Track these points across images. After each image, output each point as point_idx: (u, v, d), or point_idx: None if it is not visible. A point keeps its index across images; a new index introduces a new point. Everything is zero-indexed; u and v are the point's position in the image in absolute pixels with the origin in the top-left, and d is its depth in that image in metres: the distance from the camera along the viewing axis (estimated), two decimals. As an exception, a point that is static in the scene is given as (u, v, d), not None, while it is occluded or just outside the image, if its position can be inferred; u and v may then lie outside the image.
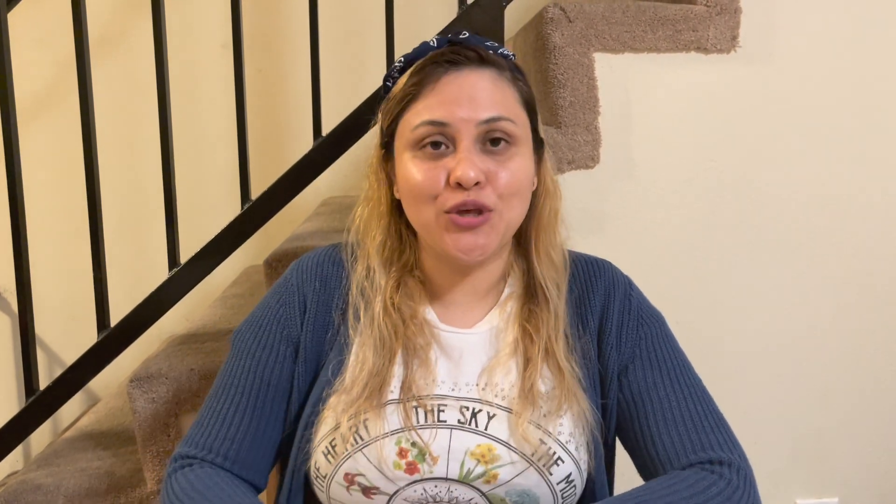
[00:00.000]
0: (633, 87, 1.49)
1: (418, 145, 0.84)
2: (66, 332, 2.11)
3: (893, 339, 1.64)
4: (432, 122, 0.83)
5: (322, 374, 0.89)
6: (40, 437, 2.01)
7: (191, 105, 2.04)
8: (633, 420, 0.89)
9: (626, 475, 0.97)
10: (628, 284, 0.95)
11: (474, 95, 0.83)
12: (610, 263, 0.98)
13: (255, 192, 1.45)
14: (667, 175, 1.52)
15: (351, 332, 0.89)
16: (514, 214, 0.86)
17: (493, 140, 0.84)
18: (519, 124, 0.86)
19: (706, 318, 1.58)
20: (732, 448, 0.85)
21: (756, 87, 1.52)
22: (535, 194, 0.91)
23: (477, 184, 0.82)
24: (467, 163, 0.81)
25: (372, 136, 1.44)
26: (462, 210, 0.83)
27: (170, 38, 1.45)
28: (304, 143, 1.47)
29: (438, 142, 0.83)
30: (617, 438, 0.94)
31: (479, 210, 0.83)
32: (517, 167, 0.85)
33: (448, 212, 0.83)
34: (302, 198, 1.49)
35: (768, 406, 1.63)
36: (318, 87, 1.47)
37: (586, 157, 1.45)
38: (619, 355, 0.91)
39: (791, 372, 1.62)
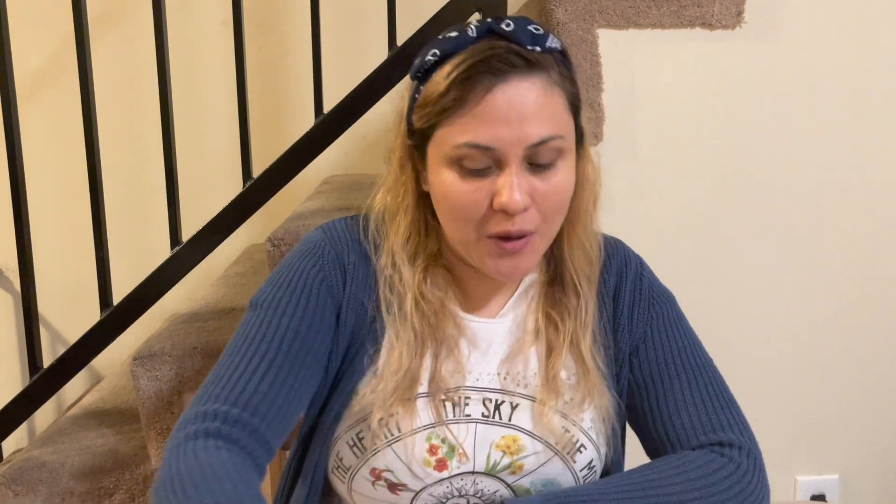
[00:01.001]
0: (637, 64, 1.47)
1: (459, 163, 0.78)
2: (69, 311, 2.11)
3: (893, 319, 1.64)
4: (478, 146, 0.76)
5: (356, 362, 0.85)
6: (44, 416, 2.02)
7: (191, 83, 2.03)
8: (643, 401, 0.88)
9: (635, 456, 0.97)
10: (640, 264, 0.94)
11: (524, 113, 0.76)
12: (621, 242, 0.96)
13: (257, 170, 1.45)
14: (671, 152, 1.51)
15: (386, 323, 0.86)
16: (554, 230, 0.84)
17: (541, 160, 0.78)
18: (567, 136, 0.80)
19: (709, 299, 1.58)
20: (743, 430, 0.84)
21: (762, 63, 1.51)
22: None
23: (524, 208, 0.78)
24: (514, 189, 0.76)
25: (376, 112, 1.44)
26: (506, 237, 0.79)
27: (169, 16, 1.44)
28: (305, 121, 1.46)
29: (481, 166, 0.78)
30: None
31: (523, 234, 0.80)
32: (561, 182, 0.80)
33: (490, 236, 0.80)
34: (303, 176, 1.48)
35: (769, 384, 1.63)
36: (320, 65, 1.46)
37: (590, 134, 1.43)
38: (630, 336, 0.90)
39: (792, 350, 1.63)
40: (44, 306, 1.88)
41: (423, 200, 0.86)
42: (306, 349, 0.81)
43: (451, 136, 0.78)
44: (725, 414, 0.85)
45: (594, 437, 0.86)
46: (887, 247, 1.61)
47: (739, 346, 1.61)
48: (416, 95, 0.82)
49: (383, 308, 0.86)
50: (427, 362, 0.85)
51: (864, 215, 1.59)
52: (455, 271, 0.89)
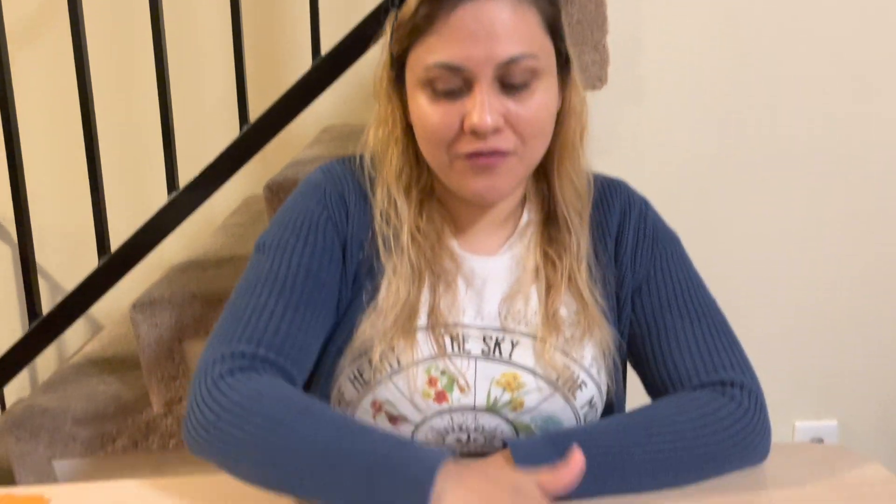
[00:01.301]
0: (643, 4, 1.44)
1: (431, 85, 0.78)
2: (67, 262, 2.10)
3: (893, 267, 1.63)
4: (446, 66, 0.76)
5: (357, 299, 0.85)
6: (46, 367, 2.02)
7: (186, 26, 1.98)
8: (644, 341, 0.88)
9: (636, 397, 0.97)
10: (644, 204, 0.93)
11: (493, 30, 0.75)
12: (625, 183, 0.95)
13: (254, 114, 1.42)
14: (676, 96, 1.49)
15: (383, 259, 0.85)
16: (535, 155, 0.82)
17: (513, 80, 0.77)
18: (542, 56, 0.79)
19: (711, 244, 1.57)
20: (745, 370, 0.84)
21: (772, 3, 1.47)
22: (558, 115, 0.85)
23: (495, 129, 0.77)
24: (484, 108, 0.76)
25: (374, 57, 1.41)
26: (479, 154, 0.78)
27: (162, -44, 1.40)
28: (302, 64, 1.43)
29: (453, 87, 0.77)
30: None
31: (496, 153, 0.78)
32: (539, 104, 0.79)
33: (462, 156, 0.79)
34: (302, 125, 1.46)
35: (769, 330, 1.63)
36: (317, 5, 1.43)
37: (594, 77, 1.41)
38: (633, 276, 0.89)
39: (792, 297, 1.62)
40: (42, 257, 1.88)
41: (413, 131, 0.85)
42: (319, 286, 0.81)
43: (422, 58, 0.78)
44: (728, 354, 0.85)
45: (595, 374, 0.86)
46: (888, 198, 1.59)
47: (740, 292, 1.60)
48: (395, 23, 0.82)
49: (380, 243, 0.85)
50: (425, 295, 0.85)
51: (869, 158, 1.57)
52: (449, 206, 0.89)
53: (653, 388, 0.89)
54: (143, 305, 1.40)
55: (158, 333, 1.41)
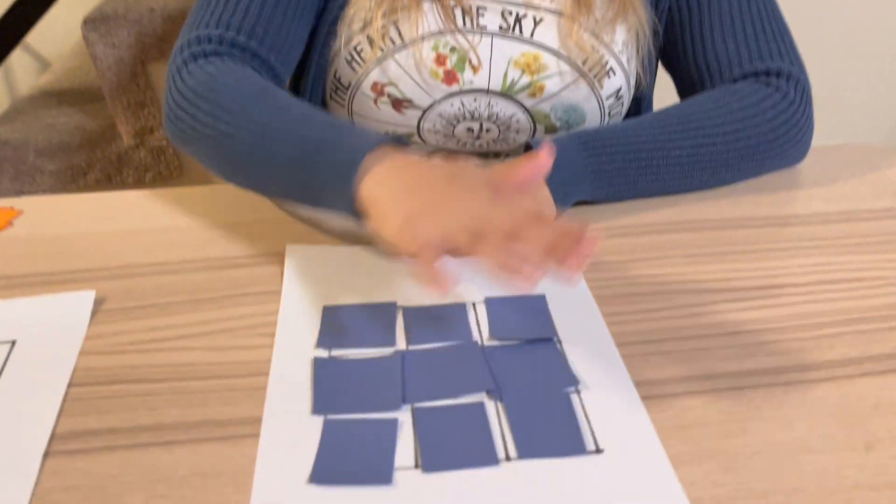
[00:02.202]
0: None
1: None
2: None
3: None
4: None
5: None
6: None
7: None
8: (684, 27, 0.78)
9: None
10: None
11: None
12: None
13: None
14: None
15: None
16: None
17: None
18: None
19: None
20: (794, 59, 0.75)
21: None
22: None
23: None
24: None
25: None
26: None
27: None
28: None
29: None
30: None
31: None
32: None
33: None
34: None
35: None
36: None
37: None
38: None
39: (801, 18, 1.51)
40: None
41: None
42: None
43: None
44: (777, 41, 0.76)
45: (625, 61, 0.77)
46: None
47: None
48: None
49: None
50: None
51: None
52: None
53: (688, 86, 0.80)
54: (97, 21, 1.23)
55: (118, 55, 1.26)
